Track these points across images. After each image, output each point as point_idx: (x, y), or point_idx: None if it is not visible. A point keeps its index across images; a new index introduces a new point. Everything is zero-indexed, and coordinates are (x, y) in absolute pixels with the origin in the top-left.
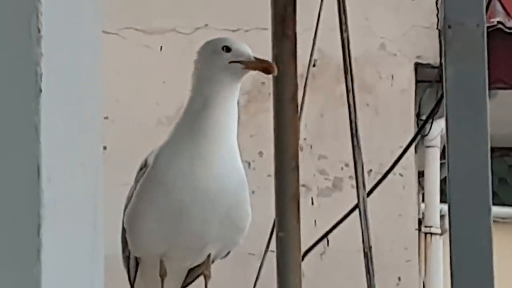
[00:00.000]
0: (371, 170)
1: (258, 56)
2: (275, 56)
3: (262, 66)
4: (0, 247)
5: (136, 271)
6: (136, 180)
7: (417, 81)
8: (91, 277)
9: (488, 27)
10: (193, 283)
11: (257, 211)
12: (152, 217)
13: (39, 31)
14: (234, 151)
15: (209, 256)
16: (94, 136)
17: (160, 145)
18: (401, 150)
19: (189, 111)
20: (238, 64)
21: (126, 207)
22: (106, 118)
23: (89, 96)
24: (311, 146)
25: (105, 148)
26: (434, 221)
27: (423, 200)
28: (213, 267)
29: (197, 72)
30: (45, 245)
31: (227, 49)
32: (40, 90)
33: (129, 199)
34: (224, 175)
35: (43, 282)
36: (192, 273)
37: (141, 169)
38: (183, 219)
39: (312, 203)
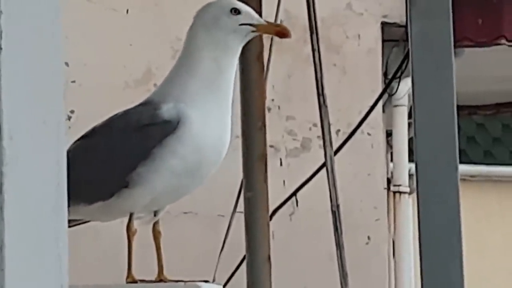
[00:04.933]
0: (339, 130)
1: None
2: None
3: (275, 29)
4: None
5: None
6: (153, 136)
7: (383, 41)
8: (55, 234)
9: None
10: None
11: (225, 173)
12: (170, 175)
13: None
14: None
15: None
16: (55, 93)
17: (172, 103)
18: None
19: (203, 73)
20: (249, 27)
21: (134, 160)
22: (73, 82)
23: (50, 53)
24: (278, 107)
25: (72, 111)
26: (402, 180)
27: (391, 160)
28: (183, 230)
29: (202, 34)
30: (8, 203)
31: (236, 11)
32: (1, 48)
33: (143, 151)
34: (228, 137)
35: (6, 239)
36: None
37: (153, 125)
38: (192, 177)
39: (281, 164)
